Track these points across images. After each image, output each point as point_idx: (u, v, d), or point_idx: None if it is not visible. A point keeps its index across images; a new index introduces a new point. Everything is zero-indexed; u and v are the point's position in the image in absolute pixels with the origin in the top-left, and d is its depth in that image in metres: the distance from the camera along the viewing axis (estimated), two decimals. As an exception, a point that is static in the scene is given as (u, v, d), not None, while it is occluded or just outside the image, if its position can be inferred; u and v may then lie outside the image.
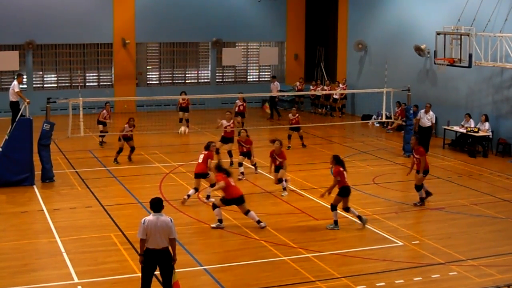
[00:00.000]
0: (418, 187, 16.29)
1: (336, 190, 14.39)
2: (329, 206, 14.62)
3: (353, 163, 20.87)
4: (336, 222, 14.42)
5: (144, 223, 10.03)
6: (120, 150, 20.57)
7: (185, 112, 25.80)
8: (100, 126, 23.12)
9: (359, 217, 14.52)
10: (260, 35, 33.76)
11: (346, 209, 14.43)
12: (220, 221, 14.31)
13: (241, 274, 11.97)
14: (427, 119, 22.47)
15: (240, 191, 14.24)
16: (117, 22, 30.82)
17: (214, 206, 14.38)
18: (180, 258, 12.55)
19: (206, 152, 16.36)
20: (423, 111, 22.67)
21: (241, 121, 23.80)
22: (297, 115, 23.14)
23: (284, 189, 17.10)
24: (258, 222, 14.31)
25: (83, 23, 30.21)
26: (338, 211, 14.41)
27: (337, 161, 14.48)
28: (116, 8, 30.75)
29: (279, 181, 16.99)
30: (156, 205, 10.21)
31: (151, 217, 10.11)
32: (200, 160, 16.25)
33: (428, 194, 16.54)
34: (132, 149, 20.75)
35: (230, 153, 20.12)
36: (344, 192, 14.29)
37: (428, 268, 12.33)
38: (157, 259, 10.07)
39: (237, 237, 13.85)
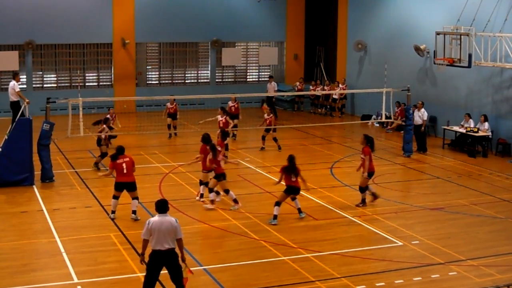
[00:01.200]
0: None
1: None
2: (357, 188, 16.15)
3: (353, 163, 20.87)
4: (364, 201, 16.06)
5: (149, 224, 10.05)
6: (105, 155, 19.56)
7: (174, 119, 24.50)
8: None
9: (373, 194, 16.10)
10: (260, 35, 33.76)
11: (365, 188, 15.97)
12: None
13: (241, 274, 11.98)
14: (418, 116, 22.55)
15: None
16: (116, 22, 30.83)
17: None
18: (180, 258, 12.63)
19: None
20: (416, 109, 22.67)
21: (233, 123, 23.29)
22: (271, 115, 22.35)
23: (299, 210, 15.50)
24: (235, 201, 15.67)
25: (83, 23, 30.22)
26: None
27: (368, 141, 15.92)
28: (115, 8, 30.75)
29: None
30: (162, 206, 10.22)
31: (156, 218, 10.12)
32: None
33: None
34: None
35: (226, 147, 20.36)
36: (370, 174, 15.91)
37: (428, 268, 12.34)
38: (163, 261, 10.07)
39: (237, 237, 13.85)
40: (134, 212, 14.98)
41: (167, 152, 21.45)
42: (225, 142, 19.31)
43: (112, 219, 14.88)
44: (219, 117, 21.98)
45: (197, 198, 16.46)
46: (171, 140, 24.45)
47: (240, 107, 24.63)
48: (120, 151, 14.96)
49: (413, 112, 22.64)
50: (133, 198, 15.04)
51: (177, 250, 10.17)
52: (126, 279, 10.87)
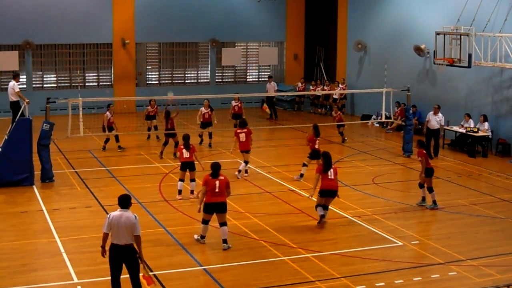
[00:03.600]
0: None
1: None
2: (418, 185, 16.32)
3: (352, 163, 20.89)
4: (424, 199, 16.30)
5: (109, 218, 10.21)
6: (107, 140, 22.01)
7: (153, 119, 24.14)
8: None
9: (434, 201, 16.10)
10: (260, 35, 33.77)
11: (430, 189, 16.07)
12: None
13: (241, 274, 11.98)
14: (436, 121, 21.74)
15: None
16: (116, 22, 30.83)
17: None
18: (180, 258, 12.63)
19: (245, 130, 18.60)
20: (431, 112, 21.94)
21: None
22: (239, 102, 23.82)
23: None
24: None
25: (83, 23, 30.22)
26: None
27: (421, 145, 16.32)
28: (115, 8, 30.75)
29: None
30: (124, 202, 10.36)
31: (117, 212, 10.25)
32: (243, 139, 18.51)
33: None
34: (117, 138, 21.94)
35: (210, 135, 23.00)
36: (429, 172, 16.01)
37: (428, 268, 12.34)
38: (121, 255, 10.16)
39: (237, 237, 13.85)
40: (224, 241, 13.26)
41: (167, 152, 21.43)
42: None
43: (198, 241, 13.51)
44: (203, 110, 22.86)
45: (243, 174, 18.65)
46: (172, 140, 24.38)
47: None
48: (216, 169, 13.23)
49: (413, 112, 22.59)
50: (221, 225, 13.25)
51: (136, 247, 10.24)
52: (126, 279, 10.82)
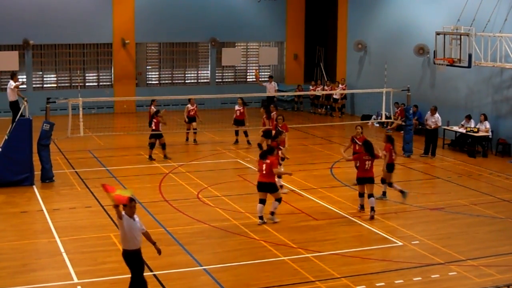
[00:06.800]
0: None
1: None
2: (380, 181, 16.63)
3: (352, 163, 20.85)
4: (384, 193, 16.69)
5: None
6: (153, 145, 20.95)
7: (193, 122, 23.53)
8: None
9: (384, 193, 16.57)
10: (260, 35, 33.76)
11: (386, 183, 16.50)
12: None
13: (241, 274, 11.98)
14: (431, 121, 21.99)
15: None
16: (116, 22, 30.83)
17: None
18: (180, 258, 12.64)
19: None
20: (429, 113, 22.22)
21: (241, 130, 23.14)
22: (242, 107, 23.09)
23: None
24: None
25: (83, 23, 30.21)
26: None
27: (389, 140, 16.62)
28: (115, 8, 30.75)
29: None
30: None
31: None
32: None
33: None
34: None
35: (246, 133, 22.99)
36: (390, 168, 16.44)
37: (428, 268, 12.34)
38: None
39: (237, 237, 13.85)
40: (271, 213, 14.82)
41: (167, 152, 21.42)
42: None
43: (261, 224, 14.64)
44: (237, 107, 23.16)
45: None
46: (171, 140, 24.31)
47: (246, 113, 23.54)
48: (270, 151, 14.80)
49: (414, 112, 22.58)
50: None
51: None
52: (126, 279, 10.82)
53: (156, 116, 20.88)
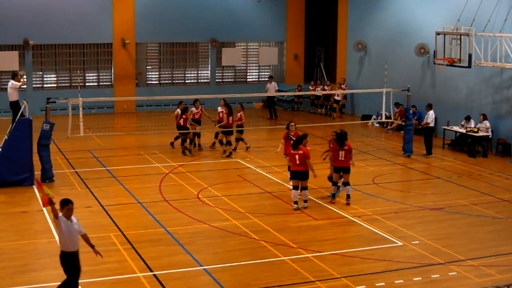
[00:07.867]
0: None
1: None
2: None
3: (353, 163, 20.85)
4: (338, 187, 16.75)
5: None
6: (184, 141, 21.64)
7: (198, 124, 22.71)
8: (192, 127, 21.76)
9: (333, 195, 16.54)
10: (260, 35, 33.77)
11: (334, 183, 16.66)
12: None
13: (241, 274, 11.98)
14: (425, 118, 22.49)
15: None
16: (116, 22, 30.83)
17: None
18: (180, 258, 12.63)
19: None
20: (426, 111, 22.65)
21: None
22: (225, 108, 21.76)
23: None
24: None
25: (83, 23, 30.21)
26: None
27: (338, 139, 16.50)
28: (116, 8, 30.75)
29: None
30: None
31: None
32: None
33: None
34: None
35: (199, 135, 22.50)
36: (336, 169, 16.51)
37: (428, 268, 12.33)
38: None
39: (237, 237, 13.85)
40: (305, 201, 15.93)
41: (167, 152, 21.43)
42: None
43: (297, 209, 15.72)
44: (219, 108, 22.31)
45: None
46: (171, 140, 24.34)
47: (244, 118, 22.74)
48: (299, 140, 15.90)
49: (413, 112, 22.59)
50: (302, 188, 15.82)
51: None
52: (126, 279, 10.86)
53: (186, 113, 21.43)
